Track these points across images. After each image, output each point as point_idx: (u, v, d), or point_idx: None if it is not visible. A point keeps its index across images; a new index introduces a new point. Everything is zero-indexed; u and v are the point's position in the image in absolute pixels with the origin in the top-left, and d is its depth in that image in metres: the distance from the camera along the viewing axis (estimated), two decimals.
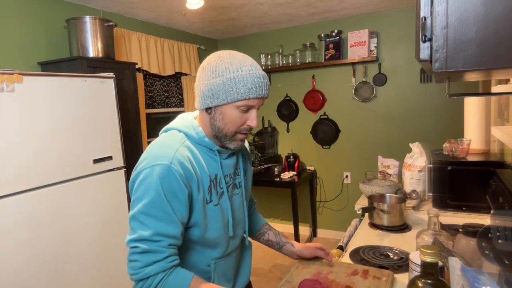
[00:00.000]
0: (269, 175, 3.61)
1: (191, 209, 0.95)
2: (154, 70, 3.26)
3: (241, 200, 1.11)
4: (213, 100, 0.94)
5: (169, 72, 3.44)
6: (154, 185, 0.89)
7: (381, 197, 1.83)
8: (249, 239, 1.22)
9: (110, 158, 2.12)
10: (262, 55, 3.89)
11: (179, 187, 0.90)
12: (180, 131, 1.00)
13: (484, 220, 1.59)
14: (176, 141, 0.96)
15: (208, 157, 1.00)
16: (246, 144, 1.23)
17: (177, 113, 3.83)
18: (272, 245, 1.27)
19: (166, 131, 1.04)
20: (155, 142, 0.99)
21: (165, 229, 0.89)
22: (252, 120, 0.96)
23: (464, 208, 1.77)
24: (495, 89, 1.80)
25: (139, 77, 3.09)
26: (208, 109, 0.97)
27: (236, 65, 0.92)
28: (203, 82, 0.95)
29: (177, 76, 3.69)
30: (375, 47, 3.41)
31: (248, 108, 0.95)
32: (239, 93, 0.91)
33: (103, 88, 2.09)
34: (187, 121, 1.02)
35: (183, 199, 0.92)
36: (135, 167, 0.96)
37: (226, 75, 0.91)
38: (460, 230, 1.38)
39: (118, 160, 2.19)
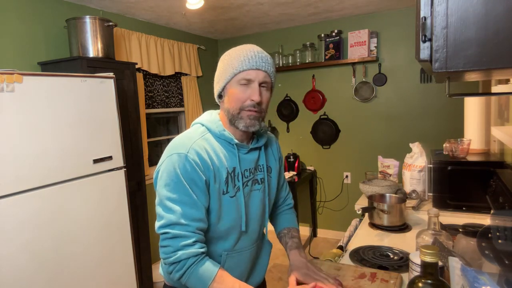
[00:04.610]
0: None
1: (208, 197, 1.00)
2: (154, 70, 3.25)
3: (262, 196, 1.12)
4: (219, 84, 1.04)
5: (169, 72, 3.44)
6: (174, 172, 0.95)
7: (381, 197, 1.82)
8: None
9: (110, 158, 2.12)
10: None
11: (196, 175, 0.96)
12: (202, 125, 1.08)
13: (484, 220, 1.59)
14: (197, 134, 1.04)
15: (227, 150, 1.05)
16: (275, 142, 1.25)
17: (177, 113, 3.84)
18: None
19: (193, 125, 1.11)
20: (179, 135, 1.06)
21: (190, 212, 0.94)
22: (254, 94, 0.99)
23: (464, 208, 1.77)
24: (495, 89, 1.79)
25: (139, 77, 3.09)
26: (220, 97, 1.06)
27: (235, 49, 1.03)
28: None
29: (177, 76, 3.68)
30: (375, 47, 3.41)
31: (248, 82, 0.99)
32: (234, 67, 0.99)
33: (103, 88, 2.09)
34: (211, 115, 1.10)
35: (201, 185, 0.97)
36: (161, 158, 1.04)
37: (226, 57, 1.03)
38: (460, 230, 1.38)
39: (118, 160, 2.19)
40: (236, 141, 1.05)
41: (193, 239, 0.93)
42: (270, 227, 1.25)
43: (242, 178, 1.05)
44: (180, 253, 0.91)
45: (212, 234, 1.03)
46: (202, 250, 0.95)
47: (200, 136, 1.02)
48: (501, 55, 0.60)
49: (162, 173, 0.98)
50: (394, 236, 1.59)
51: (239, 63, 0.99)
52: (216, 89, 1.06)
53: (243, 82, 0.99)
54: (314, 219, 3.95)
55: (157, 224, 0.96)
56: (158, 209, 0.97)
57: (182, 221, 0.93)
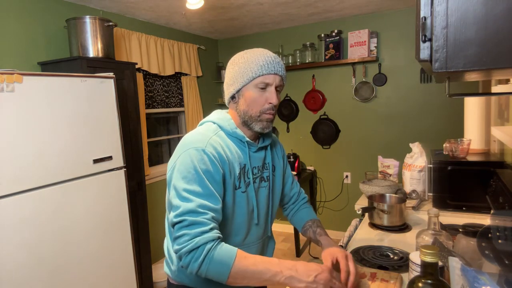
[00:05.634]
0: None
1: (224, 190, 1.03)
2: (154, 70, 3.26)
3: (267, 193, 1.17)
4: (234, 86, 1.07)
5: (169, 72, 3.44)
6: (192, 165, 0.97)
7: (381, 197, 1.82)
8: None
9: (110, 158, 2.12)
10: None
11: (214, 168, 0.99)
12: (214, 123, 1.11)
13: (484, 220, 1.59)
14: (210, 131, 1.07)
15: (238, 147, 1.09)
16: (278, 142, 1.30)
17: (177, 113, 3.83)
18: (315, 243, 1.25)
19: (201, 124, 1.14)
20: (191, 131, 1.08)
21: (207, 202, 0.95)
22: (271, 97, 1.04)
23: (464, 208, 1.77)
24: (495, 89, 1.80)
25: (139, 77, 3.09)
26: (233, 98, 1.09)
27: (249, 52, 1.07)
28: (226, 76, 1.10)
29: (177, 76, 3.68)
30: (375, 47, 3.41)
31: (266, 86, 1.04)
32: (253, 71, 1.03)
33: (103, 88, 2.09)
34: (221, 114, 1.14)
35: (218, 178, 1.00)
36: (172, 154, 1.05)
37: (241, 60, 1.06)
38: (460, 230, 1.38)
39: (118, 160, 2.19)
40: (247, 139, 1.10)
41: (210, 226, 0.93)
42: (273, 227, 1.26)
43: (252, 174, 1.10)
44: (197, 239, 0.90)
45: (225, 229, 1.06)
46: (219, 235, 0.95)
47: (214, 133, 1.07)
48: (501, 55, 0.60)
49: (180, 166, 0.99)
50: (394, 236, 1.59)
51: (258, 67, 1.03)
52: (230, 91, 1.09)
53: (261, 85, 1.04)
54: None
55: (173, 214, 0.95)
56: (175, 201, 0.96)
57: (199, 209, 0.93)
